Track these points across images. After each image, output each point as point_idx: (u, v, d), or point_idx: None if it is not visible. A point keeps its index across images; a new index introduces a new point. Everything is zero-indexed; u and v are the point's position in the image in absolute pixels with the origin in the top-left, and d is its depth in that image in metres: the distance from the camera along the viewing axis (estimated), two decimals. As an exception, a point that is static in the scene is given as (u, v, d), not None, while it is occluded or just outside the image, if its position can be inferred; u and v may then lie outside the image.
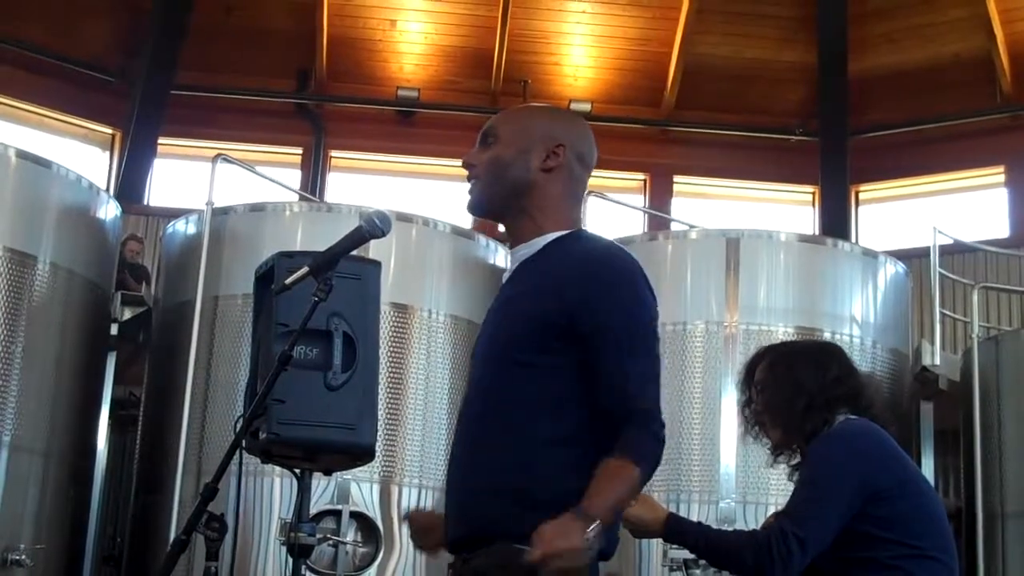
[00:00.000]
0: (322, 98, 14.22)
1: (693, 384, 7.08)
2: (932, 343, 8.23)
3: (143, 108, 13.40)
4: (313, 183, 13.69)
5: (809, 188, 14.34)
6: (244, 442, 3.41)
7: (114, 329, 7.76)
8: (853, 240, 13.01)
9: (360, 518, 6.61)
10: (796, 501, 3.08)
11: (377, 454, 4.63)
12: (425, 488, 6.80)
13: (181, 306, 7.28)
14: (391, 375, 6.80)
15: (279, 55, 14.03)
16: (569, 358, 2.43)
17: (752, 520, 6.64)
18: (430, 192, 13.94)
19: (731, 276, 7.34)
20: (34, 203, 7.00)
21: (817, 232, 13.34)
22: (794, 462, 3.29)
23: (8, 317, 6.64)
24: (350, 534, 6.55)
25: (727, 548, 3.10)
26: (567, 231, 2.59)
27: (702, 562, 4.22)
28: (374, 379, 4.32)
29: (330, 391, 4.09)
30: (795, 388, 3.20)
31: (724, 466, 6.91)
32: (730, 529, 3.44)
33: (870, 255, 7.98)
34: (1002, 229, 13.21)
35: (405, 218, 7.27)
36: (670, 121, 14.32)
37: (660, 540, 3.57)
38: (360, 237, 2.87)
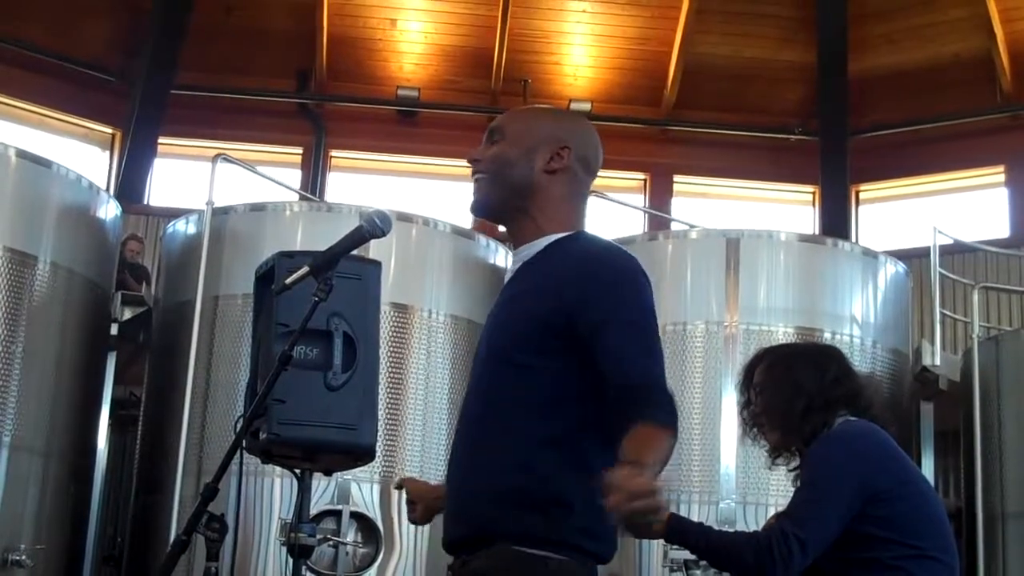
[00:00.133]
0: (322, 98, 14.22)
1: (693, 384, 7.08)
2: (932, 343, 8.23)
3: (143, 108, 13.39)
4: (313, 183, 13.69)
5: (809, 188, 14.34)
6: (244, 442, 3.41)
7: (114, 329, 7.76)
8: (853, 240, 13.00)
9: (360, 518, 6.61)
10: (796, 502, 3.09)
11: (377, 454, 4.63)
12: (425, 488, 6.79)
13: (181, 306, 7.28)
14: (391, 375, 6.80)
15: (279, 55, 14.02)
16: (569, 359, 2.43)
17: (752, 521, 6.64)
18: (430, 192, 13.94)
19: (731, 276, 7.34)
20: (34, 203, 7.00)
21: (817, 232, 13.34)
22: (793, 464, 3.29)
23: (8, 317, 6.64)
24: (350, 534, 6.55)
25: (728, 549, 3.10)
26: (568, 232, 2.59)
27: (702, 563, 4.22)
28: (374, 379, 4.32)
29: (330, 391, 4.09)
30: (794, 390, 3.20)
31: (724, 466, 6.91)
32: (731, 530, 3.44)
33: (870, 255, 7.98)
34: (1002, 229, 13.21)
35: (405, 218, 7.27)
36: (670, 121, 14.32)
37: (661, 541, 3.57)
38: (360, 237, 2.87)
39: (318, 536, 4.13)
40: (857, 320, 7.52)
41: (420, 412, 6.94)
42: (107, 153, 13.89)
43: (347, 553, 6.42)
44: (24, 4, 13.03)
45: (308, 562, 4.06)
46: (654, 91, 14.22)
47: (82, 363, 7.26)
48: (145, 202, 13.35)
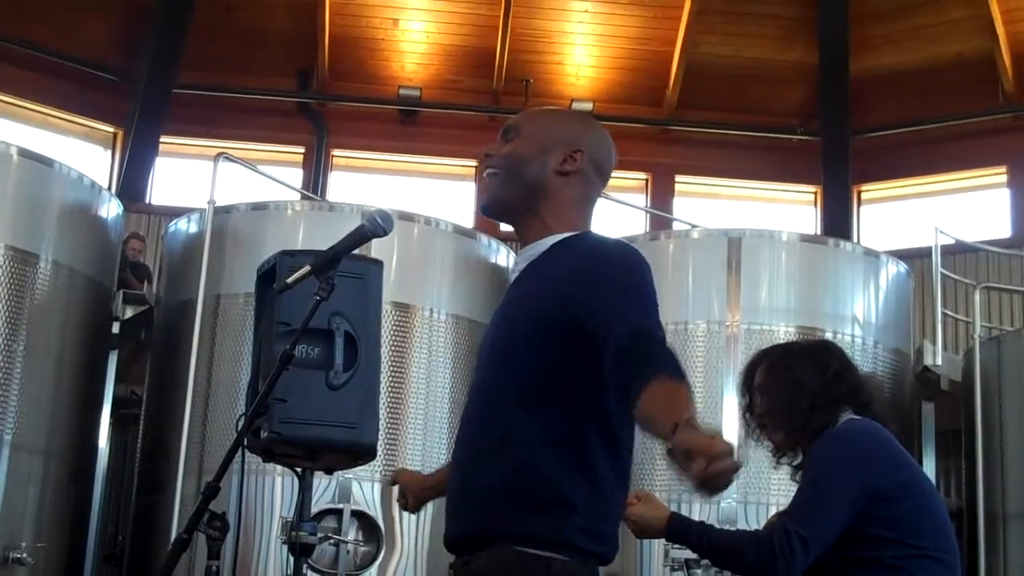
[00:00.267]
0: (324, 97, 14.21)
1: (694, 384, 7.07)
2: (934, 343, 8.24)
3: (145, 107, 13.39)
4: (315, 182, 13.68)
5: (811, 188, 14.33)
6: (246, 441, 3.41)
7: (116, 327, 7.78)
8: (855, 240, 13.00)
9: (361, 517, 6.62)
10: (799, 501, 3.09)
11: (378, 453, 4.63)
12: (426, 487, 6.80)
13: (183, 305, 7.29)
14: (393, 374, 6.81)
15: (281, 54, 14.02)
16: (573, 359, 2.42)
17: (753, 520, 6.64)
18: (432, 191, 13.95)
19: (733, 276, 7.34)
20: (36, 201, 7.01)
21: (819, 232, 13.33)
22: (796, 463, 3.29)
23: (10, 315, 6.64)
24: (351, 533, 6.56)
25: (730, 547, 3.10)
26: (574, 232, 2.58)
27: (704, 562, 4.22)
28: (376, 378, 4.32)
29: (332, 390, 4.09)
30: (797, 388, 3.20)
31: (725, 466, 6.89)
32: (732, 529, 3.44)
33: (872, 255, 7.98)
34: (1004, 229, 13.20)
35: (407, 217, 7.27)
36: (672, 121, 14.31)
37: (662, 540, 3.58)
38: (362, 236, 2.87)
39: (319, 535, 4.14)
40: (859, 320, 7.52)
41: (421, 411, 6.94)
42: (109, 152, 13.89)
43: (348, 552, 6.42)
44: (26, 3, 13.03)
45: (309, 560, 4.07)
46: (656, 91, 14.22)
47: (83, 362, 7.27)
48: (147, 201, 13.35)
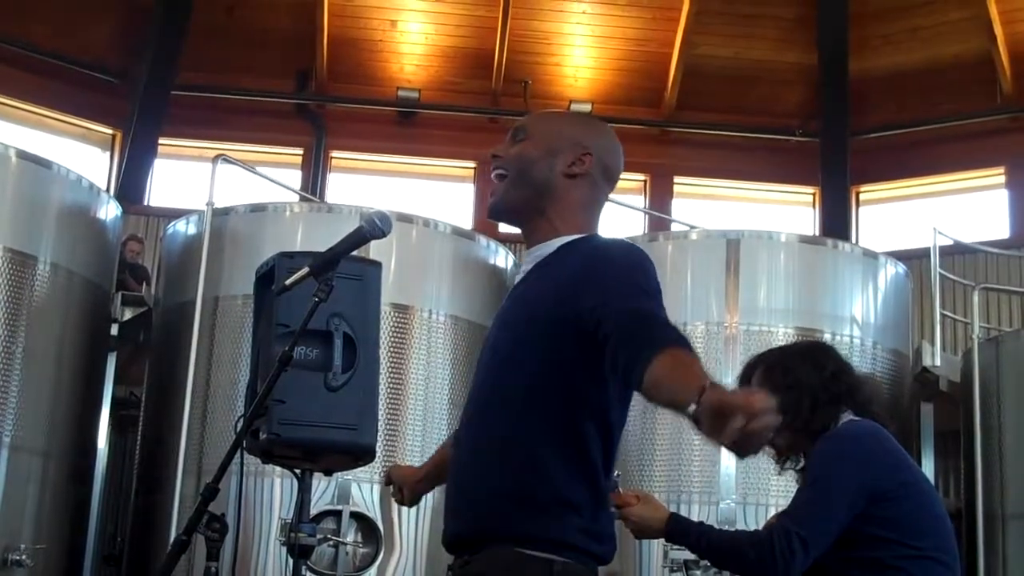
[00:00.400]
0: (323, 98, 14.22)
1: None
2: (932, 344, 8.24)
3: (143, 108, 13.39)
4: (314, 183, 13.69)
5: (809, 189, 14.34)
6: (245, 442, 3.41)
7: (114, 329, 7.78)
8: (853, 241, 13.01)
9: (360, 519, 6.61)
10: (799, 501, 3.09)
11: (378, 454, 4.62)
12: (425, 488, 6.80)
13: (181, 306, 7.28)
14: (392, 375, 6.81)
15: (279, 55, 14.03)
16: (576, 360, 2.41)
17: (752, 521, 6.64)
18: (431, 192, 13.96)
19: (731, 277, 7.34)
20: (34, 203, 7.01)
21: (817, 233, 13.35)
22: (800, 466, 3.28)
23: (8, 317, 6.64)
24: (350, 534, 6.55)
25: (729, 547, 3.10)
26: (581, 235, 2.58)
27: (703, 563, 4.22)
28: (375, 379, 4.32)
29: (331, 391, 4.09)
30: (798, 389, 3.19)
31: (724, 467, 6.91)
32: (731, 530, 3.45)
33: (870, 256, 7.99)
34: (1002, 230, 13.21)
35: (405, 218, 7.27)
36: (670, 122, 14.32)
37: (661, 541, 3.57)
38: (361, 237, 2.88)
39: (318, 536, 4.13)
40: (857, 321, 7.52)
41: (420, 412, 6.94)
42: (107, 154, 13.89)
43: (347, 553, 6.42)
44: (25, 4, 13.04)
45: (308, 562, 4.07)
46: (654, 92, 14.23)
47: (82, 363, 7.27)
48: (145, 203, 13.35)
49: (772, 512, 4.32)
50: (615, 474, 2.72)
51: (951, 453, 9.24)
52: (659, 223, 11.88)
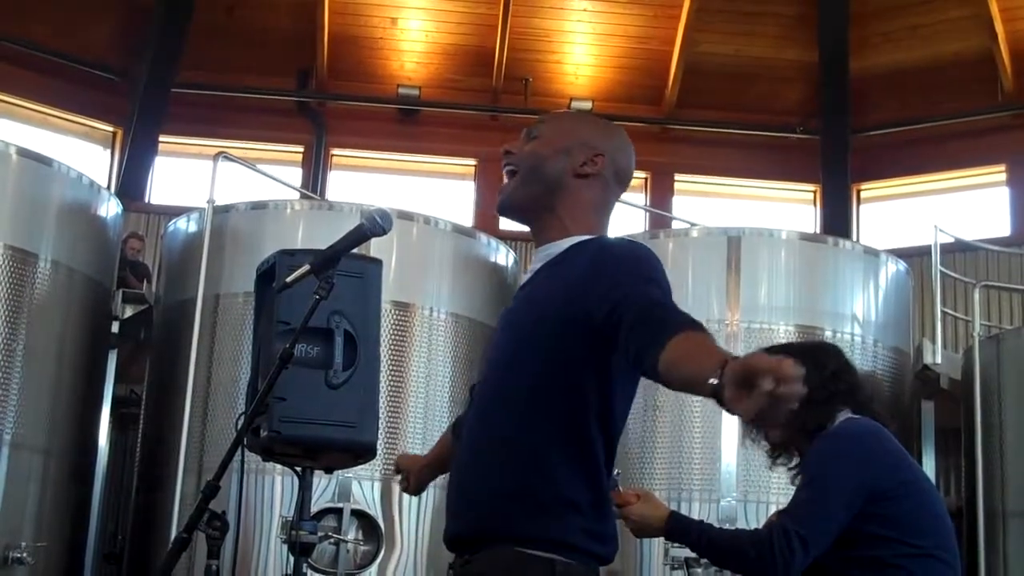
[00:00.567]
0: (323, 96, 14.22)
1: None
2: (933, 342, 8.24)
3: (144, 106, 13.40)
4: (314, 181, 13.69)
5: (810, 186, 14.34)
6: (245, 440, 3.41)
7: (115, 327, 7.78)
8: (854, 238, 13.00)
9: (361, 516, 6.62)
10: (798, 500, 3.09)
11: (378, 452, 4.63)
12: (426, 486, 6.80)
13: (182, 304, 7.28)
14: (392, 373, 6.81)
15: (280, 53, 14.03)
16: (582, 359, 2.41)
17: (753, 519, 6.64)
18: (431, 190, 13.96)
19: (732, 274, 7.34)
20: (35, 201, 7.01)
21: (818, 230, 13.34)
22: (793, 464, 3.29)
23: (9, 315, 6.64)
24: (351, 532, 6.55)
25: (729, 546, 3.10)
26: (591, 236, 2.57)
27: (703, 561, 4.22)
28: (375, 377, 4.32)
29: (331, 389, 4.09)
30: (796, 387, 3.19)
31: (725, 464, 6.91)
32: (731, 528, 3.45)
33: (871, 253, 7.98)
34: (1003, 228, 13.21)
35: (406, 216, 7.27)
36: (671, 119, 14.32)
37: (661, 539, 3.58)
38: (361, 235, 2.88)
39: (319, 534, 4.13)
40: (858, 318, 7.52)
41: (421, 410, 6.94)
42: (108, 151, 13.90)
43: (348, 551, 6.42)
44: (26, 3, 13.04)
45: (309, 560, 4.07)
46: (655, 90, 14.23)
47: (83, 361, 7.27)
48: (146, 200, 13.36)
49: (773, 510, 4.31)
50: (615, 472, 2.72)
51: (952, 451, 9.24)
52: (660, 221, 11.88)
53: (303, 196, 10.58)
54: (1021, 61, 13.35)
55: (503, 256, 7.76)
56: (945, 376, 8.17)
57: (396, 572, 6.66)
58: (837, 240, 8.54)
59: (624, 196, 2.83)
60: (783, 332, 7.14)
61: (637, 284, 2.32)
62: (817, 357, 3.29)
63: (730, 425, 6.82)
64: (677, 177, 14.39)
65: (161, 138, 13.62)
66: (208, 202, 7.27)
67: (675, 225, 11.44)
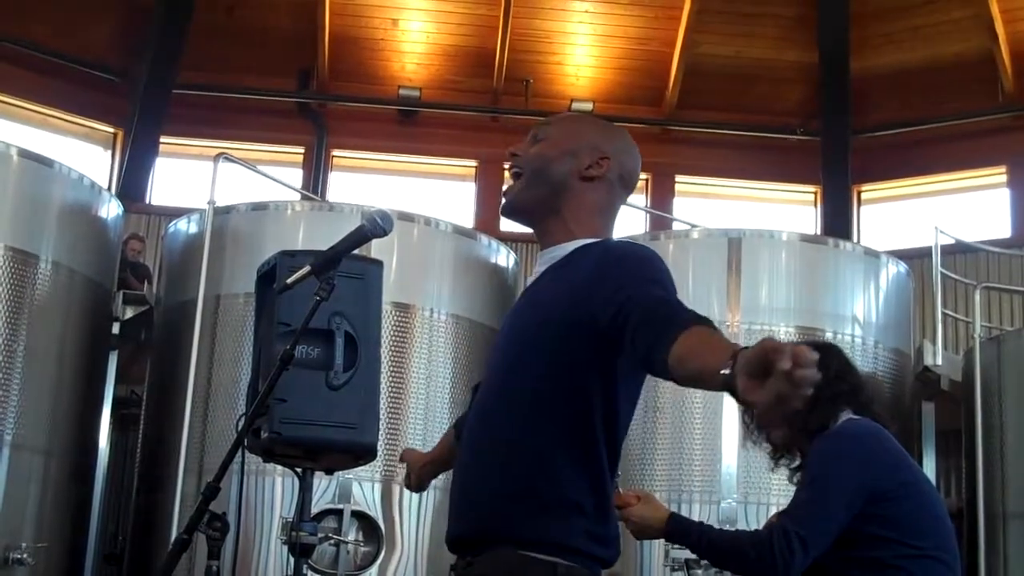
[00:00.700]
0: (324, 97, 14.22)
1: (694, 384, 7.06)
2: (934, 343, 8.24)
3: (145, 107, 13.40)
4: (315, 182, 13.69)
5: (811, 188, 14.34)
6: (246, 441, 3.41)
7: (116, 328, 7.78)
8: (855, 240, 13.01)
9: (361, 517, 6.62)
10: (798, 501, 3.09)
11: (378, 453, 4.63)
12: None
13: (183, 305, 7.29)
14: (393, 374, 6.81)
15: (281, 54, 14.03)
16: (587, 361, 2.40)
17: (753, 520, 6.64)
18: (432, 191, 13.96)
19: (733, 276, 7.34)
20: (36, 202, 7.01)
21: (819, 232, 13.34)
22: (795, 464, 3.29)
23: (10, 315, 6.64)
24: (351, 533, 6.55)
25: (729, 547, 3.10)
26: (595, 239, 2.56)
27: (703, 562, 4.22)
28: (376, 378, 4.32)
29: (332, 390, 4.09)
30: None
31: (726, 466, 6.91)
32: (732, 529, 3.45)
33: (872, 255, 7.98)
34: (1004, 229, 13.21)
35: (407, 217, 7.27)
36: (672, 121, 14.32)
37: (662, 540, 3.57)
38: (362, 236, 2.87)
39: (319, 535, 4.13)
40: (859, 320, 7.52)
41: (421, 411, 6.94)
42: (109, 152, 13.90)
43: (348, 552, 6.42)
44: (26, 3, 13.04)
45: (309, 561, 4.07)
46: (656, 91, 14.23)
47: (83, 362, 7.27)
48: (147, 201, 13.36)
49: (773, 511, 4.32)
50: (616, 474, 2.72)
51: (952, 452, 9.24)
52: (660, 222, 11.87)
53: (304, 197, 10.59)
54: (1022, 62, 13.35)
55: (504, 257, 7.76)
56: (946, 377, 8.17)
57: (396, 573, 6.66)
58: (838, 241, 8.55)
59: (624, 197, 2.82)
60: (784, 333, 7.14)
61: (642, 285, 2.32)
62: (820, 357, 3.28)
63: (730, 426, 6.82)
64: (677, 178, 14.39)
65: (161, 139, 13.62)
66: (209, 203, 7.27)
67: (676, 226, 11.44)
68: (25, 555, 6.45)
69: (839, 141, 13.81)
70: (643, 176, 14.11)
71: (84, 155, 13.45)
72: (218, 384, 6.94)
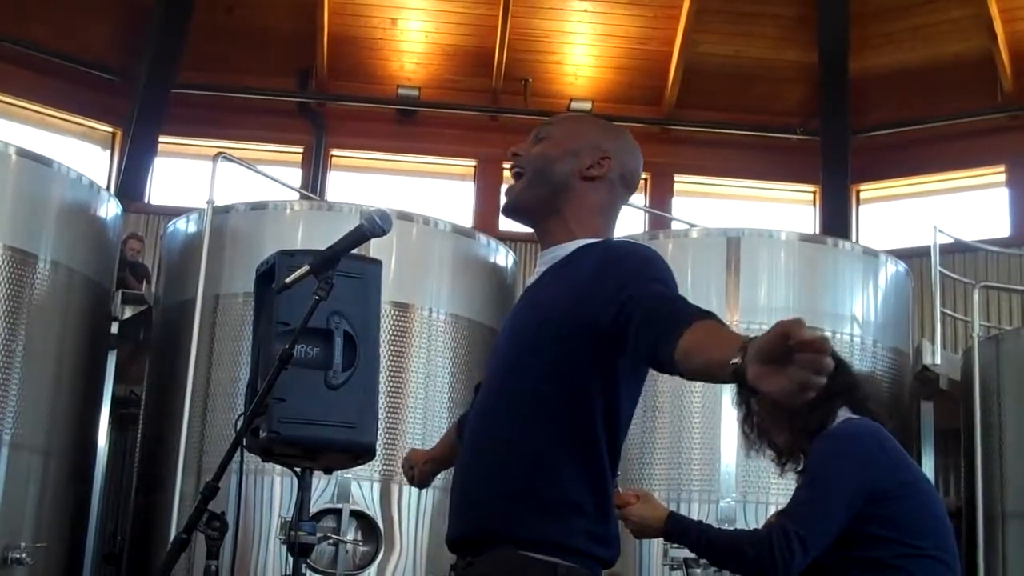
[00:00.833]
0: (323, 97, 14.22)
1: (693, 383, 7.07)
2: (933, 342, 8.24)
3: (144, 106, 13.40)
4: (314, 182, 13.69)
5: (810, 187, 14.34)
6: (245, 440, 3.41)
7: (115, 327, 7.78)
8: (854, 239, 13.00)
9: (360, 517, 6.62)
10: (797, 500, 3.09)
11: (377, 453, 4.63)
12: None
13: (182, 304, 7.29)
14: (392, 374, 6.81)
15: (280, 53, 14.02)
16: (588, 362, 2.40)
17: (752, 519, 6.65)
18: (431, 191, 13.96)
19: (732, 275, 7.35)
20: (35, 201, 7.01)
21: (818, 231, 13.34)
22: (801, 468, 3.28)
23: (9, 315, 6.64)
24: (350, 533, 6.56)
25: (728, 546, 3.10)
26: (596, 239, 2.56)
27: (703, 561, 4.22)
28: (375, 378, 4.32)
29: (331, 390, 4.09)
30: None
31: (725, 465, 6.91)
32: (731, 528, 3.45)
33: (871, 254, 7.99)
34: (1003, 228, 13.21)
35: (406, 217, 7.27)
36: (671, 120, 14.32)
37: (661, 540, 3.58)
38: (361, 236, 2.87)
39: (318, 534, 4.13)
40: (858, 319, 7.52)
41: (420, 411, 6.95)
42: (108, 152, 13.90)
43: (347, 551, 6.42)
44: (26, 3, 13.04)
45: (308, 560, 4.07)
46: (655, 91, 14.23)
47: (82, 361, 7.27)
48: (145, 201, 13.35)
49: (772, 510, 4.32)
50: (616, 474, 2.72)
51: (951, 451, 9.24)
52: (659, 221, 11.87)
53: (303, 197, 10.59)
54: (1021, 62, 13.35)
55: (503, 257, 7.76)
56: (944, 377, 8.18)
57: (395, 573, 6.66)
58: (837, 241, 8.55)
59: (624, 197, 2.81)
60: (783, 333, 7.13)
61: (644, 284, 2.32)
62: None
63: (729, 426, 6.82)
64: (677, 178, 14.38)
65: (161, 138, 13.61)
66: (208, 203, 7.27)
67: (675, 226, 11.44)
68: (24, 555, 6.45)
69: (838, 141, 13.81)
70: (642, 175, 14.22)
71: (83, 155, 13.45)
72: (217, 384, 6.94)
